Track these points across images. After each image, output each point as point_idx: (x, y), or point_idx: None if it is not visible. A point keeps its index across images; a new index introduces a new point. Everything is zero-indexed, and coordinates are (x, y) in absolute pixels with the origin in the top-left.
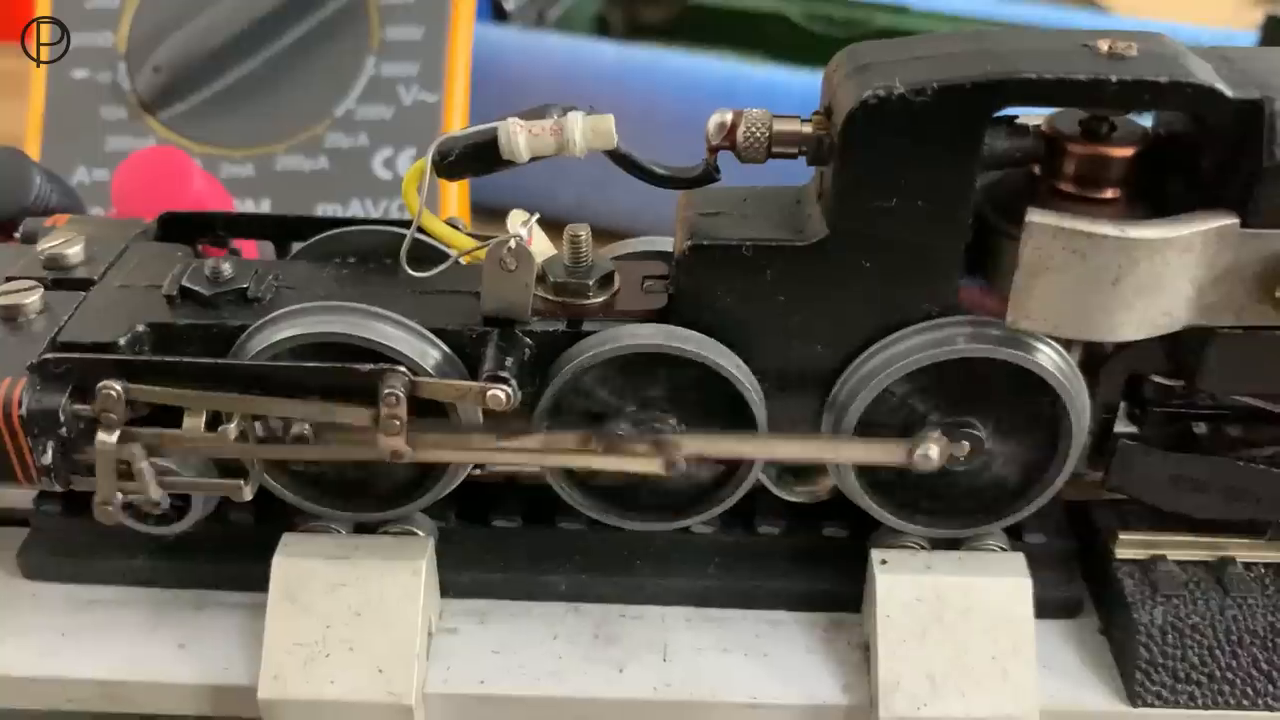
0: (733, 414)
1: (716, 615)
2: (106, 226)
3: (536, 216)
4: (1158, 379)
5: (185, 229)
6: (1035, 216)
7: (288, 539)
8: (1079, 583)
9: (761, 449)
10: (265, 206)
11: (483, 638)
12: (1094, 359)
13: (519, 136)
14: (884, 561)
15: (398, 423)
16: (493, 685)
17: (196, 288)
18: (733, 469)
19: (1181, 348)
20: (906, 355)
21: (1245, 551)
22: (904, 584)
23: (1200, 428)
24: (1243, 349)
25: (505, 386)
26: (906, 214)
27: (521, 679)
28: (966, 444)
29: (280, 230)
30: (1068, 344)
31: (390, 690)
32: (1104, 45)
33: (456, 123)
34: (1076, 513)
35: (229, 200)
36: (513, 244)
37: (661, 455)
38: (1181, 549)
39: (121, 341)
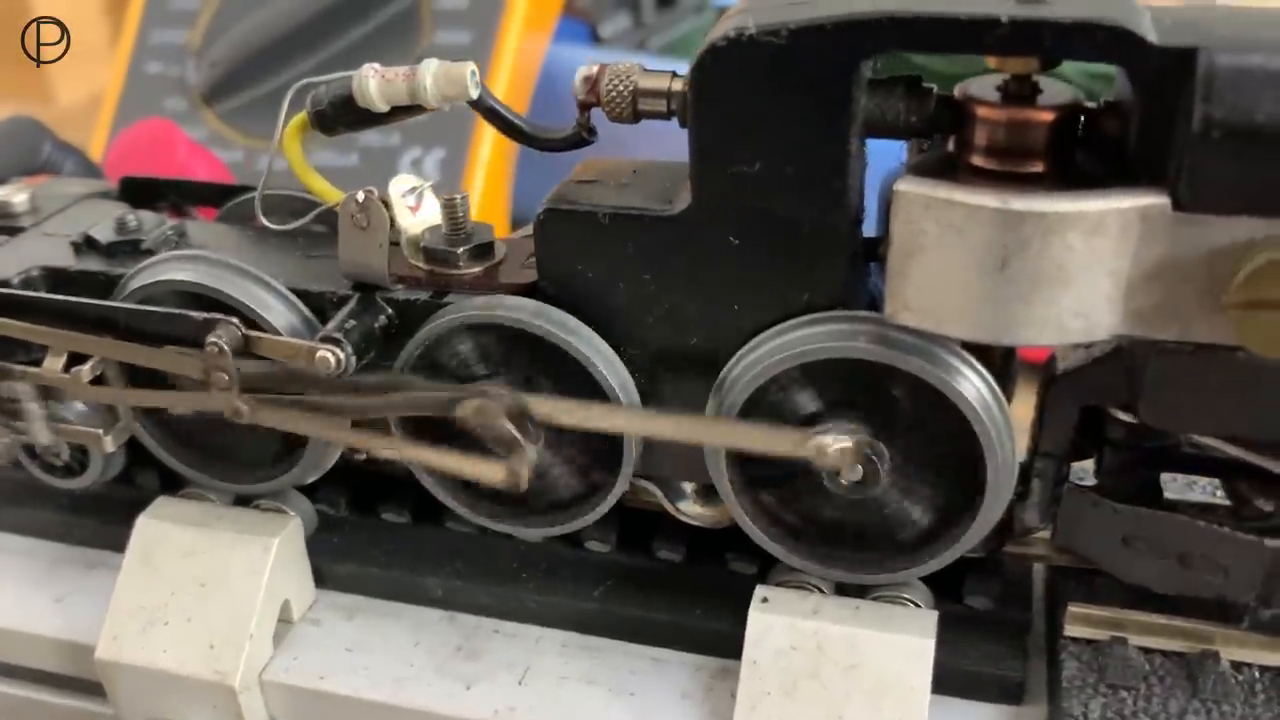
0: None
1: (596, 645)
2: (74, 186)
3: (429, 183)
4: (1119, 415)
5: (143, 193)
6: (903, 184)
7: (161, 501)
8: (1025, 661)
9: (620, 421)
10: None
11: (343, 634)
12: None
13: (370, 81)
14: (765, 599)
15: (225, 376)
16: (330, 682)
17: (98, 237)
18: (602, 476)
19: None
20: (778, 353)
21: (1236, 648)
22: (779, 627)
23: (1168, 478)
24: (1192, 373)
25: (336, 349)
26: (772, 182)
27: (361, 681)
28: (859, 468)
29: (222, 197)
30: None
31: (216, 669)
32: None
33: (488, 128)
34: (1052, 582)
35: (222, 172)
36: (360, 197)
37: (509, 466)
38: (1153, 634)
39: (15, 281)
